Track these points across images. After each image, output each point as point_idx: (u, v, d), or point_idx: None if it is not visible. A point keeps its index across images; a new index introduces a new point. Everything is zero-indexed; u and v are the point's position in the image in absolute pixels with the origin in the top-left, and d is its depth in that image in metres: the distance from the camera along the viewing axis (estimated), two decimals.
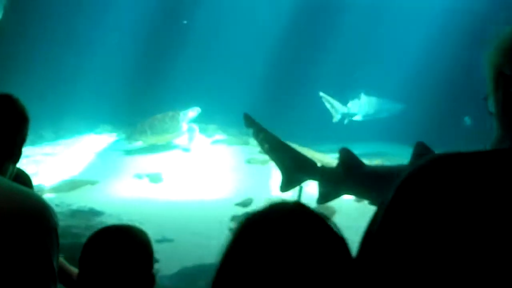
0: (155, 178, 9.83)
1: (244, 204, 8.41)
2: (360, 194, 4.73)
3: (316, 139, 13.81)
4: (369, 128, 13.63)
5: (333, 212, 7.76)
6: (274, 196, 8.87)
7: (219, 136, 13.53)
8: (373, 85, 13.39)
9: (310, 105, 13.62)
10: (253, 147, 12.26)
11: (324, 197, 4.78)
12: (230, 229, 7.30)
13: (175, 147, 12.01)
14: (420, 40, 13.74)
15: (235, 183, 9.67)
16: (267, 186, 9.42)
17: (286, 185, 4.97)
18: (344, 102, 13.57)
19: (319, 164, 4.89)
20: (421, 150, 4.23)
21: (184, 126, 11.99)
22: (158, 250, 6.39)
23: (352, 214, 7.76)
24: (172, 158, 11.39)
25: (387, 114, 13.43)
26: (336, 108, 13.52)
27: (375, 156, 12.43)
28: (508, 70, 1.37)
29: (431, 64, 13.65)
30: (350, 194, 4.75)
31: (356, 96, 13.45)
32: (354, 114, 13.48)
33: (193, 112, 12.17)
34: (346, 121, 13.62)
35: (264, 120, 13.94)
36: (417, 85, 13.66)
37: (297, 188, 5.54)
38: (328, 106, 13.53)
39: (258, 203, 8.30)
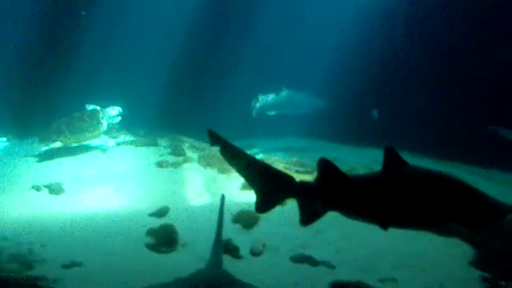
0: (55, 189, 8.81)
1: (160, 213, 7.70)
2: (344, 209, 4.29)
3: (230, 137, 13.32)
4: (282, 124, 13.44)
5: (257, 218, 7.32)
6: (192, 204, 8.28)
7: (124, 137, 12.69)
8: (294, 80, 13.21)
9: (221, 101, 13.16)
10: (163, 148, 11.55)
11: (308, 217, 4.27)
12: (147, 246, 6.61)
13: (93, 147, 11.16)
14: (333, 34, 13.74)
15: (147, 189, 8.91)
16: (182, 192, 8.77)
17: (262, 206, 4.37)
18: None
19: (297, 180, 4.33)
20: (391, 156, 4.05)
21: (105, 124, 11.30)
22: (66, 277, 5.63)
23: (276, 220, 7.37)
24: (79, 162, 10.43)
25: (309, 110, 13.26)
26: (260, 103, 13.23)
27: (291, 151, 12.20)
28: None
29: (343, 60, 13.71)
30: (334, 211, 4.27)
31: (276, 90, 13.17)
32: (273, 108, 13.19)
33: (114, 110, 11.57)
34: (255, 114, 13.28)
35: (174, 118, 13.22)
36: (329, 81, 13.66)
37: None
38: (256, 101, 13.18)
39: (176, 212, 7.69)
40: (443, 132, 11.87)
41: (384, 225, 4.17)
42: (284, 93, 13.12)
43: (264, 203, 4.34)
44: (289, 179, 4.29)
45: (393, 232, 6.52)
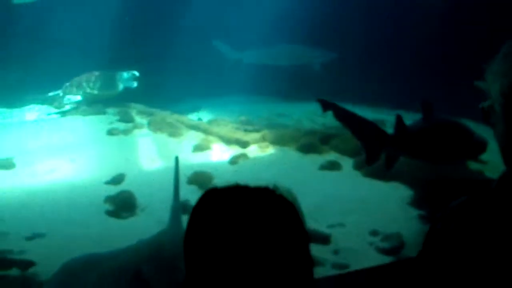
0: (5, 164, 8.69)
1: (116, 181, 7.88)
2: (408, 153, 5.75)
3: (167, 100, 12.78)
4: (224, 83, 13.21)
5: (211, 177, 7.65)
6: (146, 169, 8.50)
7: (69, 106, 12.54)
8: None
9: (161, 67, 12.64)
10: (111, 116, 11.57)
11: (389, 163, 5.67)
12: (107, 212, 6.84)
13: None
14: None
15: (100, 158, 9.03)
16: (136, 158, 8.96)
17: (371, 158, 5.61)
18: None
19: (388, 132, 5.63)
20: (428, 107, 5.47)
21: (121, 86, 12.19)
22: (31, 249, 5.83)
23: (229, 178, 7.67)
24: (25, 135, 10.29)
25: (312, 61, 12.84)
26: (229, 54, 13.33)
27: (237, 109, 12.16)
28: None
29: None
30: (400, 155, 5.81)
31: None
32: (266, 59, 13.03)
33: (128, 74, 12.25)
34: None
35: None
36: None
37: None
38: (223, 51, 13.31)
39: (131, 178, 7.91)
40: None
41: (436, 163, 5.53)
42: (281, 45, 12.75)
43: (372, 157, 5.58)
44: (383, 133, 5.57)
45: (338, 180, 7.05)
